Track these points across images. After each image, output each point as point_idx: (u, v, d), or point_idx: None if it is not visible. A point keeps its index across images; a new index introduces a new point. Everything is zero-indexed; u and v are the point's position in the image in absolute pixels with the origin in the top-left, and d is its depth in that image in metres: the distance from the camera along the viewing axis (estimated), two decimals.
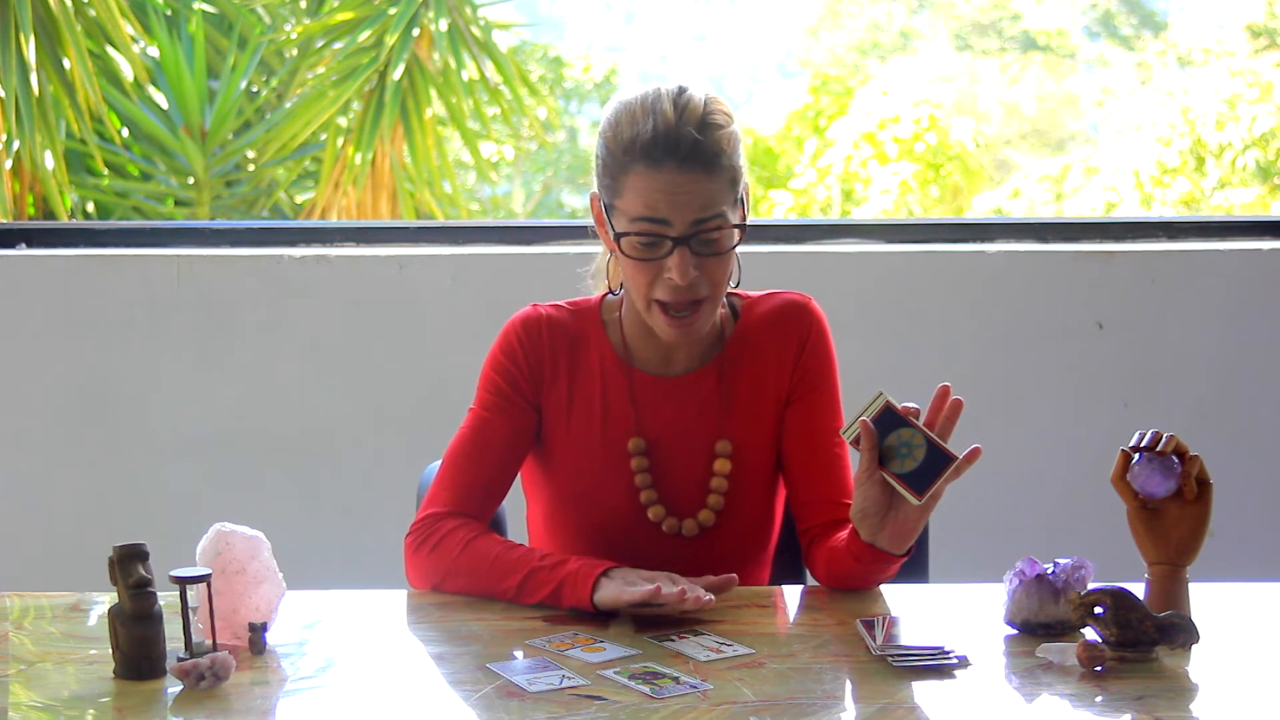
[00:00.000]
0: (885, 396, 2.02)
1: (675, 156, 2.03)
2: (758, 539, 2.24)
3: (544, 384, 2.21)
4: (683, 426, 2.19)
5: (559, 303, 2.25)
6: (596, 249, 2.26)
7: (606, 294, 2.25)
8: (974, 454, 1.98)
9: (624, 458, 2.19)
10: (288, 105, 9.90)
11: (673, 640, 1.89)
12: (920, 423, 2.01)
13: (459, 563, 2.10)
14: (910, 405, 2.01)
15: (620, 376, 2.20)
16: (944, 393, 2.03)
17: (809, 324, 2.23)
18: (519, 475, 2.26)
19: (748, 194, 2.14)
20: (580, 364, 2.21)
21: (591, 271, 2.29)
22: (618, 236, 2.07)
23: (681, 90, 2.07)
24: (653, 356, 2.21)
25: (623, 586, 1.97)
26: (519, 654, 1.87)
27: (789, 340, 2.22)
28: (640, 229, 2.05)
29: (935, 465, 1.99)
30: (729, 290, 2.24)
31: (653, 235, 2.05)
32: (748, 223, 2.13)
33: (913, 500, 1.98)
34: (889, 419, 2.01)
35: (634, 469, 2.18)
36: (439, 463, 2.27)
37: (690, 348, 2.20)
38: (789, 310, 2.24)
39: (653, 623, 1.96)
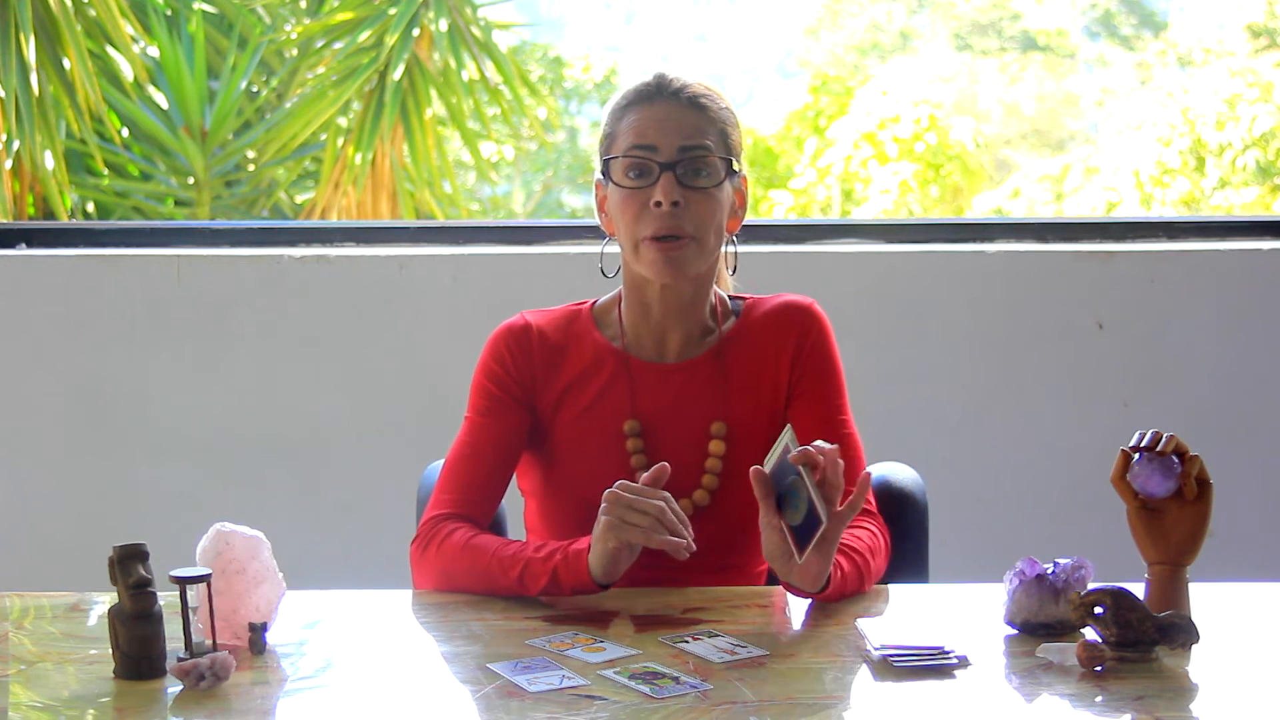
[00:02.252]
0: (787, 439, 1.95)
1: (664, 94, 2.18)
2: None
3: (536, 387, 2.24)
4: (678, 409, 2.22)
5: (545, 310, 2.29)
6: (595, 249, 2.28)
7: (595, 301, 2.28)
8: (863, 481, 1.95)
9: (619, 439, 2.21)
10: (288, 105, 9.91)
11: (686, 642, 1.89)
12: (814, 469, 1.92)
13: (460, 562, 2.11)
14: (805, 449, 1.93)
15: (616, 364, 2.23)
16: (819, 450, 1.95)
17: (809, 323, 2.26)
18: (514, 476, 2.28)
19: (745, 186, 2.24)
20: (571, 363, 2.24)
21: (600, 261, 2.30)
22: (606, 164, 2.18)
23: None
24: (649, 344, 2.24)
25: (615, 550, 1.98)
26: (520, 661, 1.87)
27: (788, 335, 2.24)
28: (630, 155, 2.15)
29: (812, 522, 1.91)
30: (734, 294, 2.28)
31: (641, 159, 2.15)
32: (745, 221, 2.23)
33: (796, 557, 1.93)
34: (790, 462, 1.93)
35: (629, 450, 2.20)
36: (440, 463, 2.28)
37: (685, 335, 2.23)
38: (790, 309, 2.27)
39: (658, 623, 1.97)
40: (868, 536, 2.14)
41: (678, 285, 2.19)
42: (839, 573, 2.02)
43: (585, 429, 2.22)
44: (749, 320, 2.26)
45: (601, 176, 2.21)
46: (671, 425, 2.21)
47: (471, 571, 2.10)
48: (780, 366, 2.23)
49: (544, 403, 2.23)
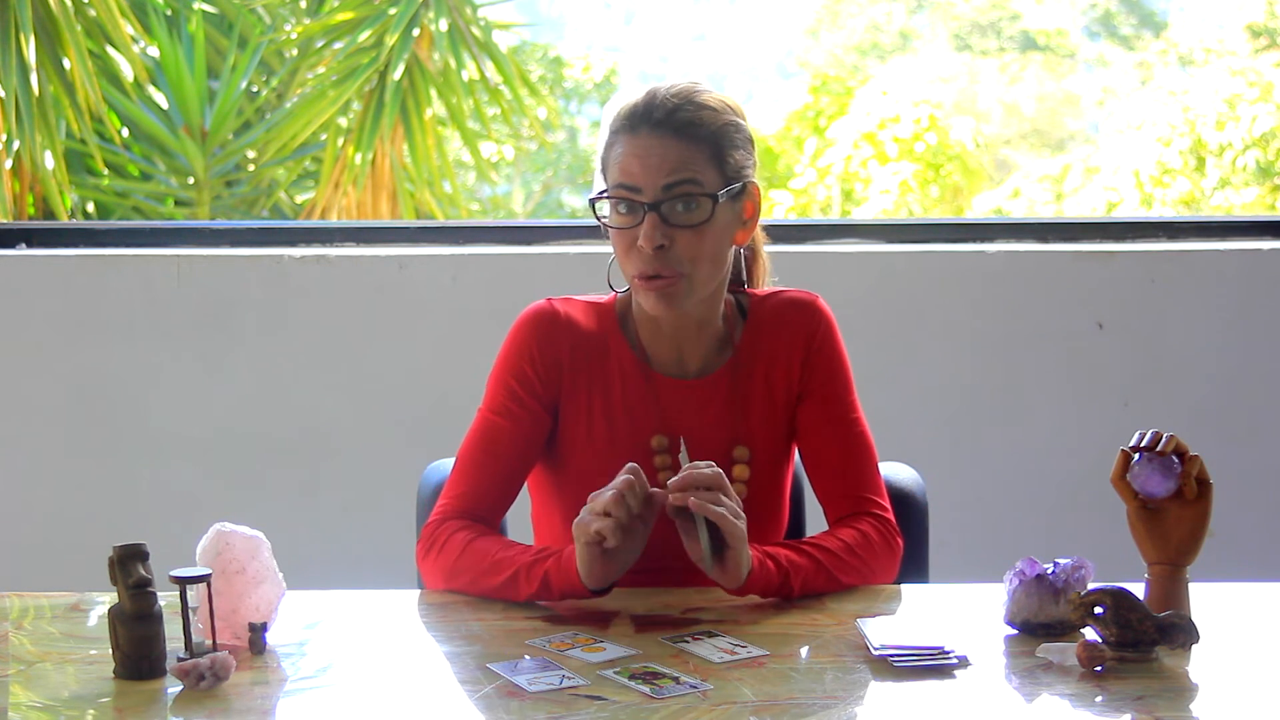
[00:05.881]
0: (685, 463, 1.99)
1: (649, 121, 2.09)
2: (769, 539, 2.22)
3: (562, 385, 2.19)
4: (701, 430, 2.18)
5: (575, 297, 2.24)
6: (595, 249, 2.26)
7: (617, 294, 2.24)
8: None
9: (647, 455, 2.17)
10: (288, 105, 9.91)
11: (686, 642, 1.89)
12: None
13: (460, 565, 2.10)
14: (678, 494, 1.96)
15: (639, 377, 2.19)
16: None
17: (815, 322, 2.23)
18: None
19: (757, 194, 2.16)
20: (599, 363, 2.19)
21: (608, 273, 2.28)
22: (592, 203, 2.12)
23: (683, 81, 2.14)
24: (667, 358, 2.20)
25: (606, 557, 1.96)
26: (526, 657, 1.86)
27: (796, 340, 2.22)
28: (614, 194, 2.09)
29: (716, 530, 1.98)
30: (741, 288, 2.25)
31: (625, 201, 2.08)
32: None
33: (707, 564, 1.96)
34: None
35: (657, 466, 2.16)
36: (440, 462, 2.27)
37: (702, 348, 2.20)
38: (795, 309, 2.24)
39: (658, 623, 1.97)
40: (852, 536, 2.13)
41: (676, 317, 2.16)
42: (774, 569, 2.01)
43: (611, 444, 2.17)
44: (756, 324, 2.22)
45: (592, 208, 2.14)
46: (695, 447, 2.15)
47: (472, 575, 2.08)
48: (791, 372, 2.21)
49: (568, 404, 2.19)
